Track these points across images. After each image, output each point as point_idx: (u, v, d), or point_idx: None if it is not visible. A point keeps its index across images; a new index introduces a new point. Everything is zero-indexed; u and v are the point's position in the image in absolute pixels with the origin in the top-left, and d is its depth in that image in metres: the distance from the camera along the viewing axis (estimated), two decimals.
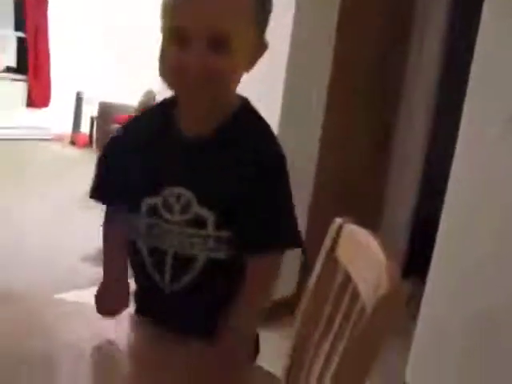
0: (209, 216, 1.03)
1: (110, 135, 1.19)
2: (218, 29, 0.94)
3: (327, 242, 1.23)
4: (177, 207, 1.04)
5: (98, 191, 1.16)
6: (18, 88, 7.64)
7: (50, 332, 0.99)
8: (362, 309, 1.00)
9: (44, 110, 7.78)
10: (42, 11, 7.60)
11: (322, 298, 1.18)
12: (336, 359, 1.00)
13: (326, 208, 2.99)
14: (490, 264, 2.23)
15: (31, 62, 7.63)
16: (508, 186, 2.16)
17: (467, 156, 2.29)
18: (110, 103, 7.13)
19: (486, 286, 2.24)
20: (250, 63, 1.03)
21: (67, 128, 7.72)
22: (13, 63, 7.94)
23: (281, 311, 2.77)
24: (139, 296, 1.20)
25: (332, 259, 1.21)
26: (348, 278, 1.13)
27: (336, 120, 3.07)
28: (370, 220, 3.38)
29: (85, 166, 6.62)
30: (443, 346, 2.35)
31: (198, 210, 1.03)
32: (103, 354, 0.98)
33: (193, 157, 1.05)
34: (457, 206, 2.32)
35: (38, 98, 7.71)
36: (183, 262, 1.06)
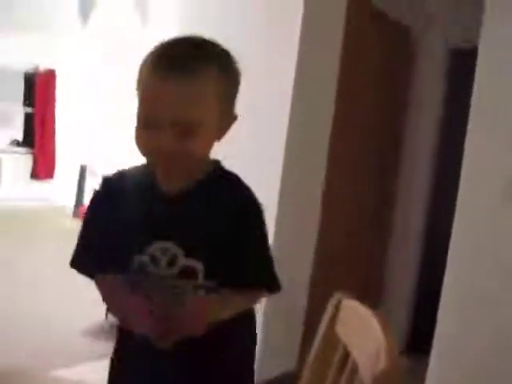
0: (198, 266, 1.07)
1: (92, 194, 1.21)
2: (183, 118, 1.00)
3: (326, 317, 1.24)
4: (164, 261, 1.07)
5: (82, 260, 1.17)
6: (24, 161, 7.80)
7: None
8: (360, 382, 1.00)
9: (48, 182, 7.90)
10: (51, 89, 7.86)
11: (321, 373, 1.18)
12: None
13: (327, 279, 2.99)
14: (492, 341, 2.21)
15: (38, 136, 7.82)
16: (508, 253, 2.18)
17: (466, 226, 2.32)
18: None
19: (491, 360, 2.21)
20: (220, 134, 1.09)
21: (70, 200, 7.79)
22: (19, 137, 8.13)
23: None
24: (124, 357, 1.19)
25: (331, 334, 1.22)
26: (347, 353, 1.13)
27: (337, 190, 3.11)
28: (371, 292, 3.37)
29: None
30: None
31: (185, 261, 1.07)
32: None
33: (174, 211, 1.09)
34: (458, 278, 2.32)
35: (42, 170, 7.85)
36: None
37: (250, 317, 1.22)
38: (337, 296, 1.25)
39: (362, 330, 1.10)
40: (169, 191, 1.10)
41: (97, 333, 3.54)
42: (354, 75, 3.13)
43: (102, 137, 7.52)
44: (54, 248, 5.75)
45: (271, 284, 1.14)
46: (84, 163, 7.80)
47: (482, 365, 2.25)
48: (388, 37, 3.42)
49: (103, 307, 3.62)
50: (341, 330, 1.20)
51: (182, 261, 1.07)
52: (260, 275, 1.12)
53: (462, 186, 2.32)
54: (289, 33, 2.68)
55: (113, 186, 1.17)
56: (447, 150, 3.52)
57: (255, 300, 1.16)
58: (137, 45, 6.51)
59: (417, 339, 3.27)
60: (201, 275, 1.07)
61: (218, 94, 1.04)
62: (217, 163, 1.16)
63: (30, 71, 7.82)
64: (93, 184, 7.56)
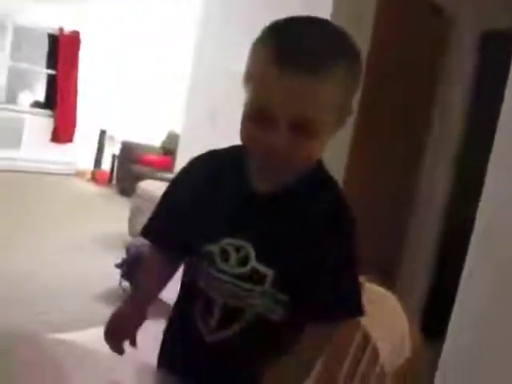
0: (267, 272, 1.00)
1: (174, 175, 1.15)
2: (302, 118, 0.90)
3: None
4: (234, 259, 1.02)
5: (153, 231, 1.14)
6: (45, 123, 7.82)
7: (62, 379, 0.98)
8: (381, 370, 0.98)
9: (68, 145, 7.93)
10: (74, 51, 7.83)
11: (341, 358, 1.16)
12: None
13: None
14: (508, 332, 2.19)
15: (60, 99, 7.82)
16: None
17: (486, 226, 2.27)
18: (132, 142, 7.24)
19: (508, 345, 2.19)
20: (334, 131, 0.98)
21: (89, 164, 7.83)
22: (41, 98, 8.15)
23: None
24: (172, 345, 1.16)
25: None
26: (367, 338, 1.12)
27: (355, 187, 3.08)
28: (388, 279, 3.35)
29: (104, 204, 6.73)
30: None
31: (255, 264, 1.00)
32: None
33: (259, 212, 1.02)
34: (477, 267, 2.29)
35: (63, 133, 7.87)
36: (231, 314, 1.03)
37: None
38: (360, 280, 1.23)
39: (384, 316, 1.08)
40: (259, 190, 1.02)
41: (110, 298, 3.56)
42: (384, 59, 3.06)
43: (123, 103, 7.51)
44: (71, 211, 5.81)
45: (356, 312, 1.03)
46: (104, 128, 7.81)
47: (501, 347, 2.22)
48: (420, 16, 3.34)
49: (117, 273, 3.66)
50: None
51: (253, 263, 1.01)
52: (348, 305, 1.02)
53: (490, 170, 2.27)
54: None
55: (201, 168, 1.10)
56: (476, 136, 3.46)
57: (332, 334, 1.05)
58: (160, 10, 6.52)
59: (430, 325, 3.25)
60: (269, 282, 1.00)
61: (341, 96, 0.94)
62: (319, 163, 1.04)
63: (54, 33, 7.80)
64: (112, 149, 7.59)
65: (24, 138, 7.61)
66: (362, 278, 1.24)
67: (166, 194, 1.13)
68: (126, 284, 3.65)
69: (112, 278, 3.72)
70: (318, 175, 1.03)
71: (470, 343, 2.28)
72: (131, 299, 1.17)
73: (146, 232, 1.14)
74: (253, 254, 1.00)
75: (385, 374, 0.95)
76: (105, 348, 1.10)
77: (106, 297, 3.58)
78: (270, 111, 0.89)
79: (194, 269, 1.07)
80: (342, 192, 1.04)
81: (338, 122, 0.96)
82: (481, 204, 2.29)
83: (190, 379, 1.03)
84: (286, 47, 0.88)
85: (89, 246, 4.68)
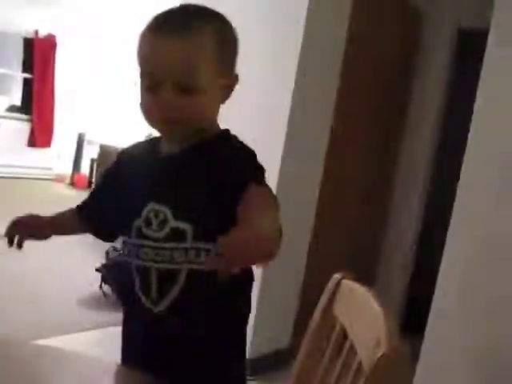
0: (187, 228, 1.04)
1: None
2: (180, 74, 1.01)
3: (324, 298, 1.22)
4: (155, 223, 1.07)
5: (85, 207, 1.28)
6: (21, 127, 7.73)
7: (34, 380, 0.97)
8: (359, 366, 0.99)
9: (46, 149, 7.84)
10: (50, 54, 7.76)
11: (318, 355, 1.16)
12: None
13: (323, 261, 2.98)
14: (489, 320, 2.21)
15: (36, 103, 7.74)
16: (504, 252, 2.18)
17: (466, 207, 2.30)
18: (111, 146, 7.18)
19: (486, 341, 2.22)
20: (222, 96, 1.09)
21: (68, 169, 7.76)
22: (17, 102, 8.05)
23: (275, 364, 2.73)
24: (128, 333, 1.19)
25: (329, 315, 1.20)
26: (345, 335, 1.12)
27: (335, 167, 3.09)
28: (366, 276, 3.38)
29: None
30: None
31: (174, 224, 1.05)
32: None
33: (167, 173, 1.10)
34: (454, 261, 2.32)
35: (40, 137, 7.78)
36: (167, 278, 1.07)
37: (249, 278, 1.15)
38: (336, 276, 1.23)
39: (361, 311, 1.08)
40: (168, 153, 1.12)
41: (90, 303, 3.53)
42: (361, 52, 3.08)
43: (101, 106, 7.46)
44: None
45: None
46: (82, 132, 7.75)
47: (478, 344, 2.25)
48: (397, 15, 3.37)
49: (98, 277, 3.63)
50: (339, 311, 1.18)
51: (172, 223, 1.06)
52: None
53: (466, 159, 2.30)
54: (295, 12, 2.63)
55: (124, 154, 1.23)
56: (452, 126, 3.50)
57: (270, 194, 1.03)
58: (137, 13, 6.49)
59: (411, 320, 3.28)
60: (189, 237, 1.04)
61: (215, 52, 1.05)
62: (225, 130, 1.14)
63: (30, 36, 7.71)
64: (90, 153, 7.53)
65: (0, 142, 7.51)
66: (339, 275, 1.25)
67: (96, 182, 1.25)
68: (106, 288, 3.62)
69: (92, 282, 3.69)
70: (223, 136, 1.12)
71: (448, 339, 2.31)
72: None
73: (78, 207, 1.30)
74: (170, 214, 1.06)
75: (362, 370, 0.95)
76: (85, 352, 1.09)
77: (88, 301, 3.55)
78: (153, 74, 1.03)
79: (126, 250, 1.13)
80: (246, 145, 1.09)
81: (221, 81, 1.06)
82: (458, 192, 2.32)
83: (152, 362, 1.06)
84: (158, 18, 1.06)
85: (69, 250, 4.62)
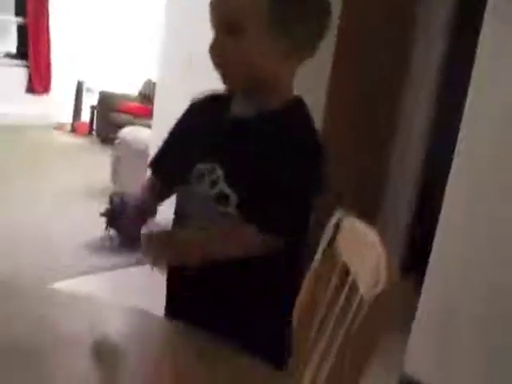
0: (232, 196, 1.07)
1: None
2: (229, 17, 1.07)
3: (326, 235, 1.23)
4: (207, 181, 1.11)
5: (155, 164, 1.29)
6: (19, 74, 7.62)
7: (45, 322, 0.98)
8: (361, 302, 1.00)
9: (45, 97, 7.76)
10: None
11: (320, 290, 1.18)
12: (333, 354, 1.00)
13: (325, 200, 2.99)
14: (490, 258, 2.24)
15: (32, 48, 7.60)
16: (508, 182, 2.17)
17: (468, 149, 2.29)
18: (110, 92, 7.12)
19: (486, 280, 2.24)
20: (285, 59, 1.10)
21: (68, 116, 7.70)
22: (13, 49, 7.90)
23: None
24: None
25: (331, 252, 1.21)
26: (346, 271, 1.13)
27: (337, 113, 3.06)
28: (369, 214, 3.40)
29: (85, 155, 6.67)
30: (441, 338, 2.36)
31: (223, 187, 1.08)
32: (101, 347, 0.97)
33: (232, 136, 1.12)
34: (457, 200, 2.32)
35: (38, 84, 7.68)
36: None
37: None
38: (338, 213, 1.24)
39: (362, 248, 1.09)
40: (234, 115, 1.15)
41: (96, 247, 3.58)
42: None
43: (99, 52, 7.34)
44: (53, 163, 5.74)
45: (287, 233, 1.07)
46: (80, 79, 7.65)
47: (479, 281, 2.28)
48: None
49: (103, 221, 3.65)
50: (341, 247, 1.19)
51: (221, 185, 1.08)
52: (280, 226, 1.05)
53: (468, 106, 2.27)
54: None
55: (196, 106, 1.25)
56: (455, 71, 3.44)
57: (261, 243, 1.05)
58: None
59: (413, 259, 3.32)
60: (233, 204, 1.07)
61: (266, 7, 1.06)
62: (297, 99, 1.15)
63: None
64: (90, 100, 7.46)
65: None
66: (340, 213, 1.25)
67: (170, 132, 1.27)
68: (111, 232, 3.65)
69: (97, 226, 3.71)
70: (294, 107, 1.12)
71: (451, 275, 2.34)
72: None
73: (149, 165, 1.29)
74: (222, 176, 1.09)
75: (363, 305, 0.96)
76: (94, 295, 1.11)
77: (94, 245, 3.59)
78: (211, 21, 1.09)
79: (180, 197, 1.19)
80: (313, 125, 1.12)
81: (268, 28, 1.07)
82: (460, 136, 2.30)
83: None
84: None
85: (73, 196, 4.66)
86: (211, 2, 1.10)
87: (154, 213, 1.23)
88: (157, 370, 0.90)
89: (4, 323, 0.97)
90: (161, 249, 1.02)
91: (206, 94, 1.24)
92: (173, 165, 1.22)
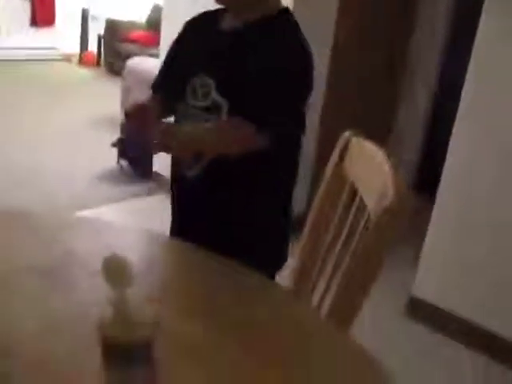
0: (223, 103, 1.10)
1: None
2: None
3: (335, 155, 1.23)
4: (200, 93, 1.13)
5: (155, 84, 1.30)
6: (22, 6, 7.46)
7: (54, 242, 1.02)
8: (368, 219, 1.01)
9: (49, 29, 7.62)
10: None
11: (330, 209, 1.19)
12: (341, 272, 1.02)
13: (335, 124, 2.96)
14: (500, 182, 2.23)
15: None
16: None
17: (479, 74, 2.24)
18: (117, 20, 6.96)
19: (495, 203, 2.25)
20: None
21: (75, 47, 7.58)
22: None
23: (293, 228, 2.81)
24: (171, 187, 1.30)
25: (339, 171, 1.21)
26: (355, 190, 1.14)
27: (349, 24, 2.98)
28: (380, 134, 3.38)
29: (94, 85, 6.61)
30: (450, 259, 2.39)
31: (215, 96, 1.10)
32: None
33: (221, 47, 1.13)
34: (467, 123, 2.29)
35: (42, 15, 7.53)
36: None
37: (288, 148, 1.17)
38: (346, 134, 1.23)
39: (370, 166, 1.09)
40: (224, 28, 1.15)
41: (108, 177, 3.62)
42: None
43: None
44: (62, 95, 5.72)
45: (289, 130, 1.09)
46: (85, 7, 7.48)
47: (486, 206, 2.28)
48: None
49: (115, 153, 3.68)
50: (349, 167, 1.19)
51: (213, 95, 1.11)
52: (276, 118, 1.06)
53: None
54: None
55: (191, 23, 1.26)
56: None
57: (262, 136, 1.05)
58: None
59: (424, 180, 3.31)
60: (224, 111, 1.10)
61: None
62: (283, 9, 1.15)
63: None
64: (95, 28, 7.32)
65: (1, 24, 7.29)
66: (349, 133, 1.25)
67: (167, 52, 1.29)
68: (123, 162, 3.68)
69: (109, 157, 3.74)
70: (280, 16, 1.13)
71: (460, 192, 2.34)
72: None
73: (151, 87, 1.30)
74: (213, 87, 1.11)
75: (371, 222, 0.98)
76: (113, 223, 1.14)
77: (107, 176, 3.63)
78: None
79: (177, 112, 1.21)
80: (300, 31, 1.12)
81: None
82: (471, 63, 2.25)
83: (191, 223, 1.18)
84: None
85: (84, 127, 4.66)
86: None
87: (157, 116, 1.21)
88: (162, 284, 0.94)
89: (23, 247, 1.00)
90: (169, 138, 0.99)
91: (199, 13, 1.25)
92: (170, 82, 1.24)
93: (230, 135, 1.05)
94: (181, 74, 1.19)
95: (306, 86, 1.09)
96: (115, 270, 0.61)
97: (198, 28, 1.23)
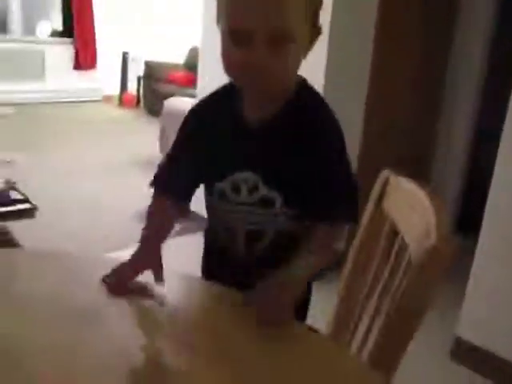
0: (276, 197, 1.06)
1: (180, 124, 1.16)
2: (277, 28, 0.92)
3: (375, 193, 1.21)
4: (244, 190, 1.08)
5: (158, 182, 1.17)
6: (65, 51, 7.73)
7: (95, 288, 1.00)
8: (410, 261, 0.98)
9: (91, 71, 7.87)
10: None
11: (370, 250, 1.16)
12: (383, 314, 0.98)
13: (375, 158, 2.93)
14: None
15: (77, 25, 7.69)
16: None
17: None
18: (156, 62, 7.15)
19: None
20: (306, 49, 1.01)
21: (115, 89, 7.79)
22: (59, 26, 8.02)
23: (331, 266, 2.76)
24: (209, 263, 1.25)
25: (379, 210, 1.18)
26: (395, 230, 1.11)
27: (383, 70, 2.98)
28: (421, 170, 3.32)
29: (133, 126, 6.76)
30: (495, 301, 2.30)
31: (265, 192, 1.06)
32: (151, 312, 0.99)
33: (257, 142, 1.06)
34: (509, 158, 2.23)
35: (84, 60, 7.79)
36: (254, 236, 1.11)
37: None
38: (385, 173, 1.21)
39: (411, 206, 1.06)
40: (252, 120, 1.06)
41: (143, 217, 3.63)
42: None
43: (143, 22, 7.36)
44: (102, 135, 5.85)
45: (351, 217, 1.05)
46: (126, 50, 7.70)
47: None
48: None
49: (149, 193, 3.71)
50: (389, 206, 1.16)
51: (262, 190, 1.06)
52: (339, 208, 1.03)
53: None
54: None
55: (201, 112, 1.14)
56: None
57: (339, 237, 1.03)
58: None
59: (467, 219, 3.23)
60: (278, 204, 1.06)
61: (309, 5, 0.96)
62: (302, 83, 1.07)
63: None
64: (136, 71, 7.52)
65: (47, 68, 7.56)
66: (388, 171, 1.22)
67: (173, 145, 1.16)
68: None
69: (146, 197, 3.77)
70: (303, 95, 1.06)
71: (506, 232, 2.27)
72: (144, 241, 1.15)
73: (153, 183, 1.17)
74: (260, 182, 1.06)
75: (412, 265, 0.94)
76: None
77: (143, 216, 3.65)
78: (245, 28, 0.91)
79: (211, 206, 1.14)
80: (326, 106, 1.06)
81: (309, 33, 0.98)
82: None
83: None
84: None
85: (123, 167, 4.75)
86: (240, 9, 0.93)
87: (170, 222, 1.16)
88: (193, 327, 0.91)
89: (63, 288, 1.00)
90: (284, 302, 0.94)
91: (204, 98, 1.14)
92: (186, 179, 1.13)
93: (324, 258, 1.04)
94: (207, 172, 1.11)
95: (346, 154, 1.05)
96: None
97: (213, 122, 1.10)
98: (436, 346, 2.42)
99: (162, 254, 1.11)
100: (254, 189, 1.07)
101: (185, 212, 1.18)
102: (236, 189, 1.09)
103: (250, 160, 1.07)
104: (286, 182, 1.04)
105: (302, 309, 1.12)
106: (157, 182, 1.16)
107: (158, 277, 1.04)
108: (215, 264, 1.22)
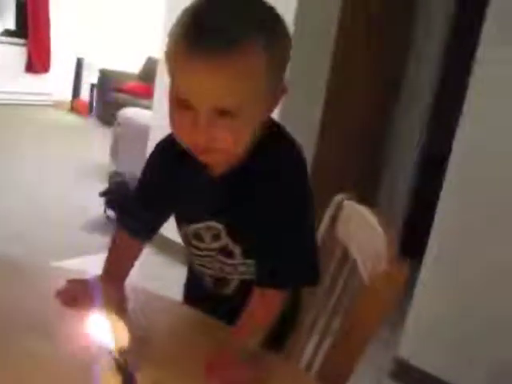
0: (235, 248, 1.04)
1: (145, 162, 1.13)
2: (224, 103, 0.86)
3: (327, 218, 1.24)
4: (208, 237, 1.06)
5: (124, 214, 1.17)
6: (18, 52, 7.56)
7: (46, 299, 0.99)
8: (361, 285, 1.01)
9: (44, 75, 7.72)
10: None
11: (321, 274, 1.18)
12: (331, 335, 1.01)
13: (325, 181, 2.99)
14: (490, 246, 2.25)
15: (31, 26, 7.54)
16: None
17: (468, 137, 2.29)
18: (111, 70, 7.07)
19: (484, 270, 2.25)
20: (269, 110, 0.95)
21: (67, 94, 7.67)
22: (12, 26, 7.84)
23: None
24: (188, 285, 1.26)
25: (331, 235, 1.21)
26: (347, 254, 1.14)
27: (340, 79, 3.05)
28: (366, 196, 3.40)
29: (84, 134, 6.64)
30: (437, 329, 2.38)
31: (226, 240, 1.04)
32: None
33: (219, 193, 1.02)
34: (455, 185, 2.32)
35: (37, 62, 7.63)
36: (220, 282, 1.11)
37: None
38: (338, 197, 1.24)
39: (362, 231, 1.09)
40: (212, 175, 1.02)
41: (94, 227, 3.59)
42: None
43: (99, 29, 7.28)
44: (51, 142, 5.73)
45: (306, 279, 1.01)
46: (80, 56, 7.60)
47: (476, 271, 2.29)
48: None
49: (101, 202, 3.67)
50: (341, 230, 1.20)
51: (225, 239, 1.04)
52: (300, 275, 0.99)
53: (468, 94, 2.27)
54: None
55: (164, 151, 1.08)
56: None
57: (281, 300, 0.97)
58: None
59: (410, 246, 3.32)
60: (238, 256, 1.05)
61: (266, 71, 0.86)
62: (275, 132, 1.01)
63: None
64: (90, 78, 7.42)
65: None
66: (341, 196, 1.25)
67: (139, 179, 1.13)
68: (110, 212, 3.67)
69: (96, 206, 3.73)
70: (270, 146, 0.99)
71: (449, 258, 2.35)
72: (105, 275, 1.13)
73: (117, 221, 1.18)
74: (223, 231, 1.04)
75: (363, 288, 0.97)
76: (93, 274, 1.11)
77: (91, 226, 3.61)
78: (186, 99, 0.86)
79: (190, 250, 1.13)
80: (292, 161, 1.01)
81: (268, 100, 0.92)
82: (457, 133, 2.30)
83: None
84: (195, 28, 0.83)
85: (72, 175, 4.66)
86: (183, 76, 0.86)
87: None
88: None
89: (13, 299, 0.98)
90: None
91: (171, 135, 1.02)
92: (147, 219, 1.11)
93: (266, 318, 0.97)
94: (165, 214, 1.11)
95: (308, 213, 1.01)
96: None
97: (178, 165, 1.05)
98: (376, 365, 2.47)
99: (123, 289, 1.09)
100: (216, 237, 1.05)
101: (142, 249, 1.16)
102: (198, 236, 1.07)
103: (212, 210, 1.04)
104: (245, 234, 1.02)
105: (278, 339, 1.07)
106: (120, 215, 1.16)
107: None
108: (192, 288, 1.24)
